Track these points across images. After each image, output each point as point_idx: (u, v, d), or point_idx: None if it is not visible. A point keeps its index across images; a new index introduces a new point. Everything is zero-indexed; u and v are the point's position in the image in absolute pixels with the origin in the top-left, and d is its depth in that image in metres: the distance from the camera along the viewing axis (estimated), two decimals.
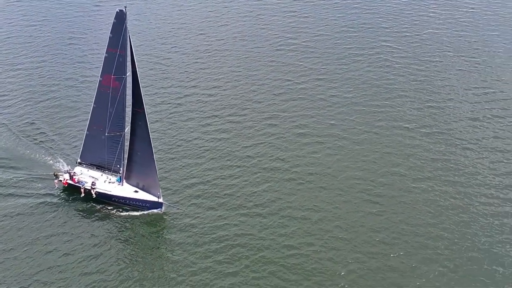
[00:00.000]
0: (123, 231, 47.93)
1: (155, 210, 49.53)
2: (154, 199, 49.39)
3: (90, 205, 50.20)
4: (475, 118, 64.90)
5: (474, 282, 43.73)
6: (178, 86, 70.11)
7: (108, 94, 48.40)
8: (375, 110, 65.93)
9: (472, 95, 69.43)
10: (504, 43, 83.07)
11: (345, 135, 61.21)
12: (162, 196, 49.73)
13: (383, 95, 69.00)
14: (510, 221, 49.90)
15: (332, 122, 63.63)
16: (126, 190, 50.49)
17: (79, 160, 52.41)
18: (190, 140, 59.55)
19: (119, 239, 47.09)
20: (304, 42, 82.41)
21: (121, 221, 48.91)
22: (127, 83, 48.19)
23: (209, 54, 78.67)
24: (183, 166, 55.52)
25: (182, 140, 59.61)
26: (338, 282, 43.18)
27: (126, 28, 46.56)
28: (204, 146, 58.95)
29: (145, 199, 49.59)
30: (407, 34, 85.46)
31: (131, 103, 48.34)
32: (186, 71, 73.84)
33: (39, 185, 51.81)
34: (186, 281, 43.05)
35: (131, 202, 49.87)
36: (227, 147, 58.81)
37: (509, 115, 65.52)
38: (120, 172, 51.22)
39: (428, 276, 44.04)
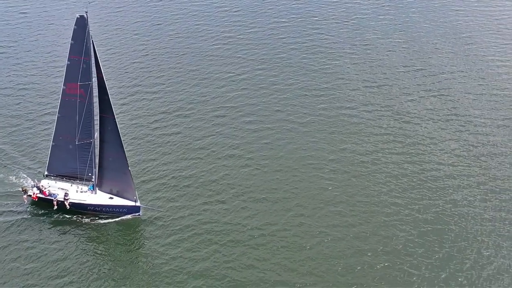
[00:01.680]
0: (88, 232, 47.56)
1: (133, 215, 48.81)
2: (131, 203, 48.74)
3: (61, 216, 48.88)
4: (409, 93, 69.12)
5: (429, 242, 46.99)
6: (121, 87, 69.67)
7: (73, 102, 47.17)
8: (316, 94, 68.66)
9: (404, 73, 73.78)
10: (425, 25, 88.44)
11: (292, 119, 63.45)
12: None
13: (322, 79, 71.88)
14: (453, 183, 53.92)
15: (277, 108, 65.67)
16: (100, 198, 49.50)
17: (46, 173, 50.53)
18: (142, 138, 59.64)
19: (85, 240, 46.73)
20: (239, 35, 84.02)
21: (85, 224, 48.46)
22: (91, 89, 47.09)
23: (147, 54, 78.55)
24: (137, 163, 55.53)
25: (133, 138, 59.55)
26: (305, 255, 45.17)
27: (89, 33, 45.43)
28: (155, 142, 59.22)
29: (122, 204, 48.81)
30: (336, 22, 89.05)
31: (98, 110, 47.43)
32: (126, 72, 73.44)
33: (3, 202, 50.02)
34: (159, 272, 43.54)
35: (107, 209, 48.95)
36: (179, 141, 59.38)
37: (438, 89, 70.21)
38: (92, 180, 50.12)
39: (387, 241, 46.89)
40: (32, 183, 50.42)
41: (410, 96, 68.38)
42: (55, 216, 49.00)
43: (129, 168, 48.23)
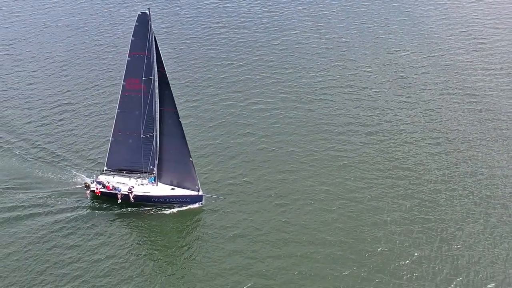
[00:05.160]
0: (147, 220, 48.57)
1: (196, 204, 49.69)
2: (194, 193, 49.84)
3: (124, 208, 49.53)
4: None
5: (441, 206, 50.42)
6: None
7: (134, 97, 48.02)
8: (314, 76, 71.96)
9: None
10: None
11: (296, 100, 66.55)
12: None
13: (319, 62, 75.21)
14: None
15: (280, 91, 68.39)
16: (163, 189, 50.41)
17: (105, 168, 51.05)
18: None
19: (145, 227, 48.07)
20: (230, 30, 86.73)
21: (146, 214, 49.21)
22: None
23: None
24: None
25: None
26: (330, 218, 48.17)
27: (151, 29, 46.28)
28: None
29: (185, 194, 49.77)
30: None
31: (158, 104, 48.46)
32: None
33: (62, 199, 50.35)
34: (195, 239, 46.35)
35: (171, 199, 49.77)
36: (194, 129, 60.52)
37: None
38: (153, 172, 50.97)
39: (402, 207, 50.06)
40: (91, 179, 50.89)
41: (405, 74, 72.54)
42: (118, 208, 49.54)
43: (191, 159, 49.28)
